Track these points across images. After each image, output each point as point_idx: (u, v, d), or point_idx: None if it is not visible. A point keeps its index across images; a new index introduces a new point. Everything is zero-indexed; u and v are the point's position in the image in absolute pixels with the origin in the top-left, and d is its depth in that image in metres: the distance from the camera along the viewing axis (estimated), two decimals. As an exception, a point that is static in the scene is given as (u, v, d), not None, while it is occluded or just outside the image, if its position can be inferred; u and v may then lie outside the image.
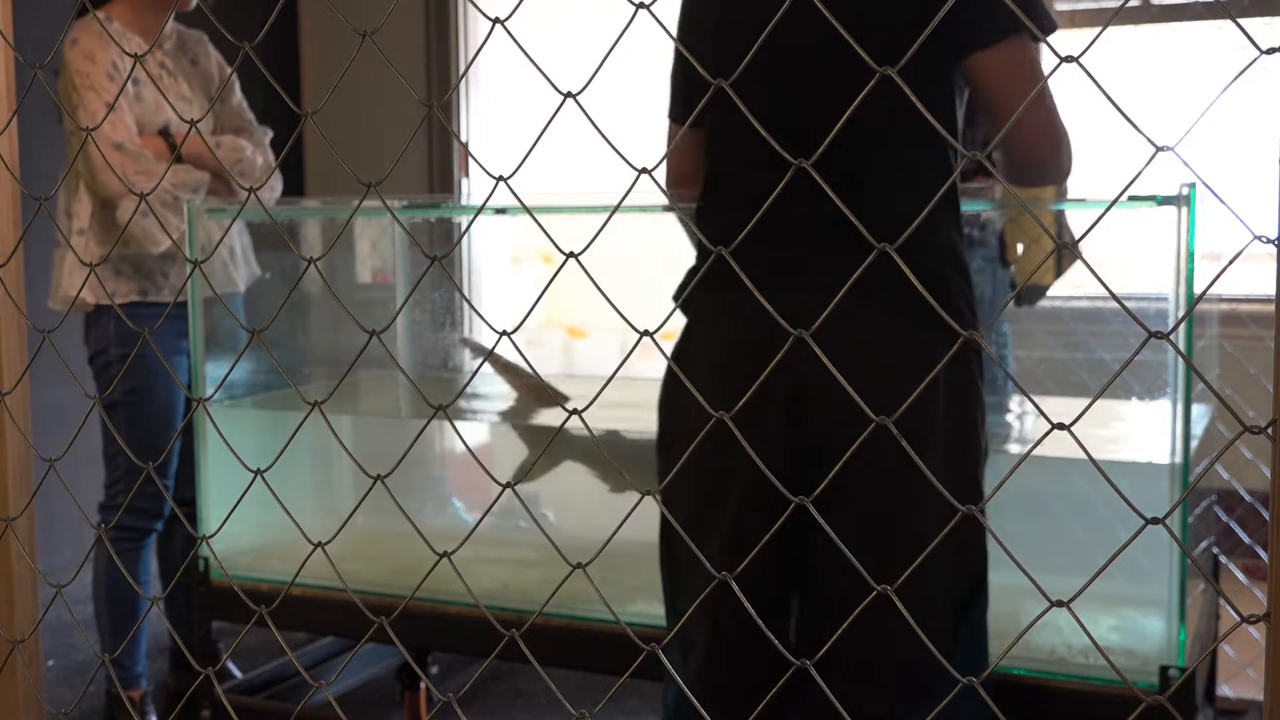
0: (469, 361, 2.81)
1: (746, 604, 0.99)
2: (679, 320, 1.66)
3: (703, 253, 1.65)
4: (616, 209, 1.04)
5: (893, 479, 1.48)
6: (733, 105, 1.55)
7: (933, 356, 1.46)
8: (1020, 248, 2.03)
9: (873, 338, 1.48)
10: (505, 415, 2.60)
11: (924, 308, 1.41)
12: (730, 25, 1.59)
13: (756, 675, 1.55)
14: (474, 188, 4.52)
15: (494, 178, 1.02)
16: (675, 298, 1.61)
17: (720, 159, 1.64)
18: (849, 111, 0.93)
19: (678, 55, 1.73)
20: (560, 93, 1.01)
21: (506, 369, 2.55)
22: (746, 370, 1.49)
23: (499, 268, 4.68)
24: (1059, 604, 0.80)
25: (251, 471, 1.16)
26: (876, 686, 1.53)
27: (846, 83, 1.36)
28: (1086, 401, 0.81)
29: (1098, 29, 0.81)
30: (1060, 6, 3.93)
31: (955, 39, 1.50)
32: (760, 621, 0.97)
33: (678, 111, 1.75)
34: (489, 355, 2.51)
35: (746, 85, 1.54)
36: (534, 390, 2.52)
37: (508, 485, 1.04)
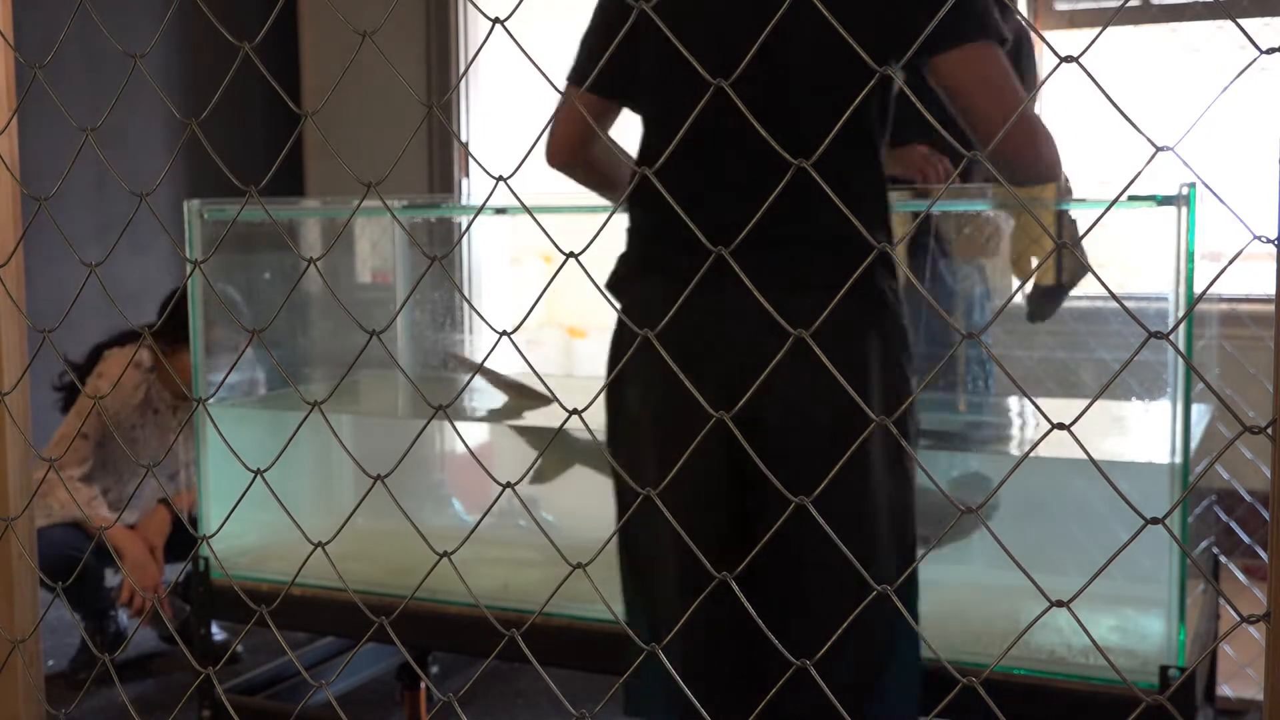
0: (460, 374, 2.81)
1: (738, 601, 0.99)
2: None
3: (633, 240, 1.65)
4: (616, 209, 1.04)
5: (823, 463, 1.49)
6: (673, 99, 1.58)
7: (858, 346, 1.49)
8: (1034, 261, 2.02)
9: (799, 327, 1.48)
10: (504, 418, 2.60)
11: (849, 300, 1.43)
12: (676, 15, 1.61)
13: (711, 667, 1.57)
14: (474, 188, 4.52)
15: (494, 178, 1.02)
16: (609, 285, 1.61)
17: (654, 151, 1.64)
18: (857, 109, 0.93)
19: (596, 18, 1.71)
20: (560, 93, 1.01)
21: (497, 381, 2.55)
22: (681, 362, 1.53)
23: (499, 268, 4.67)
24: (1059, 604, 0.80)
25: (251, 471, 1.16)
26: (821, 677, 1.56)
27: (784, 82, 1.37)
28: (1086, 401, 0.81)
29: (1098, 29, 0.81)
30: (1060, 6, 3.94)
31: (910, 44, 1.51)
32: (761, 618, 0.97)
33: (579, 74, 1.72)
34: (479, 369, 2.51)
35: (687, 81, 1.51)
36: (529, 399, 2.52)
37: (508, 485, 1.04)
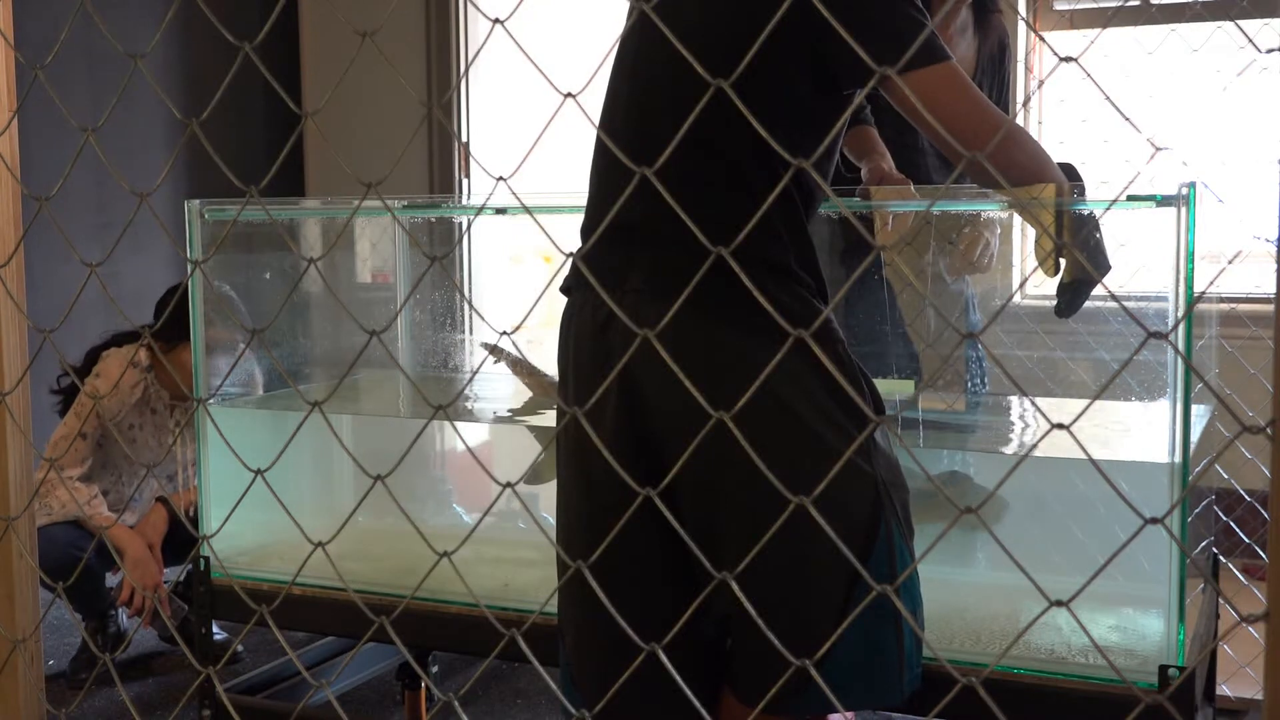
0: (489, 365, 2.81)
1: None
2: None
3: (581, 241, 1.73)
4: (616, 208, 1.04)
5: (717, 464, 1.50)
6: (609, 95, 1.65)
7: (727, 345, 1.51)
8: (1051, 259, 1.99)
9: (674, 332, 1.49)
10: (517, 415, 2.60)
11: (726, 305, 1.47)
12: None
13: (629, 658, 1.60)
14: (474, 188, 4.52)
15: (494, 178, 1.02)
16: (561, 289, 1.70)
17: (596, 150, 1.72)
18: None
19: None
20: (560, 93, 1.01)
21: (521, 367, 2.55)
22: (585, 364, 1.61)
23: (499, 268, 4.67)
24: (1059, 604, 0.80)
25: (252, 471, 1.16)
26: (749, 663, 1.59)
27: (684, 93, 1.38)
28: (1086, 401, 0.81)
29: (1097, 29, 0.81)
30: (1059, 6, 3.94)
31: (852, 69, 1.51)
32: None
33: None
34: (511, 359, 2.51)
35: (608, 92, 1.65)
36: (551, 389, 2.52)
37: (508, 485, 1.04)
